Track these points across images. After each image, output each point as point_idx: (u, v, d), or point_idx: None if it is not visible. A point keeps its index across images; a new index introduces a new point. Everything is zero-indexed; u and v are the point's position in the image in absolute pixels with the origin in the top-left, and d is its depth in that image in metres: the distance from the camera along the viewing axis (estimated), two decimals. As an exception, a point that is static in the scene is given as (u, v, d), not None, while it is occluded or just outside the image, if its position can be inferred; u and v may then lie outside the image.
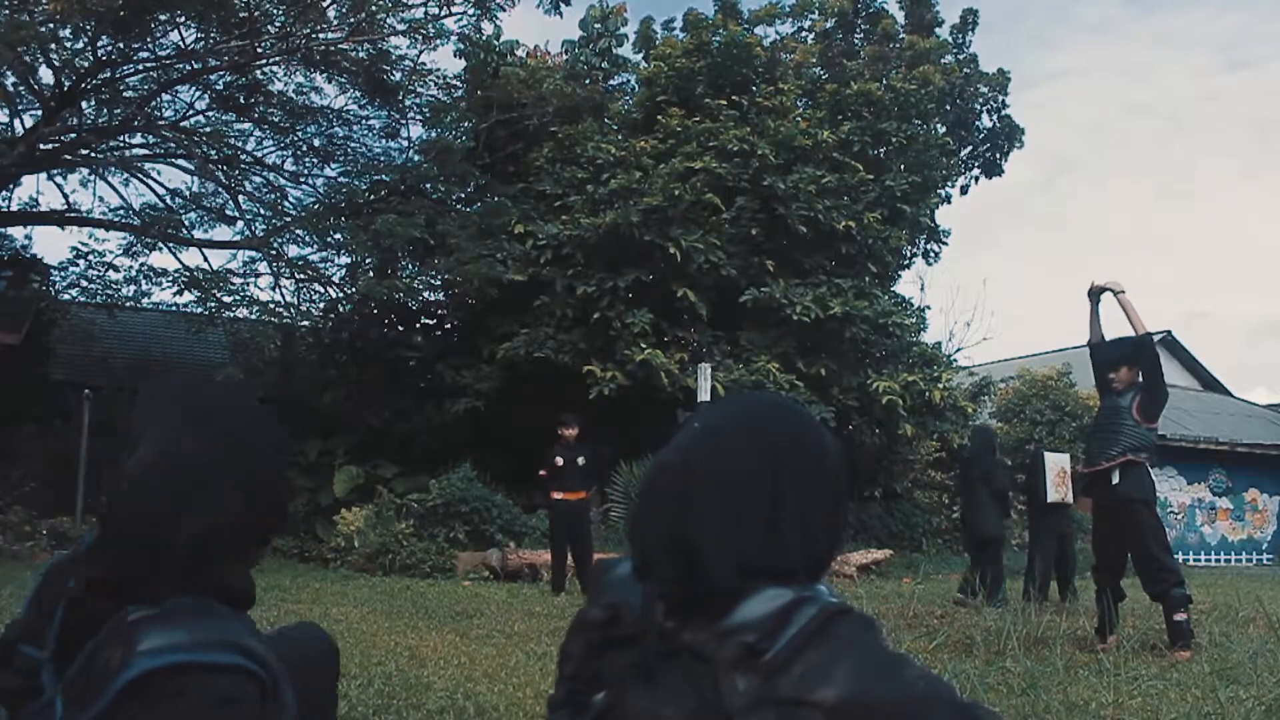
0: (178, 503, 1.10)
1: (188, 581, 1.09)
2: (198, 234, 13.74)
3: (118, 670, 0.99)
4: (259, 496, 1.19)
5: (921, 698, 0.87)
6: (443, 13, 12.36)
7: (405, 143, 14.20)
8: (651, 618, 0.97)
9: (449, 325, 14.32)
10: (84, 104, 12.24)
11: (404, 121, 13.96)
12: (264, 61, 12.10)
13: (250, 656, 1.04)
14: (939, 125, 16.26)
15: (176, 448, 1.14)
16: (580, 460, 9.14)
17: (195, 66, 11.92)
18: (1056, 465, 8.66)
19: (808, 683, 0.86)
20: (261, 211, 14.10)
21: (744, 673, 0.88)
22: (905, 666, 0.90)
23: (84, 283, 13.70)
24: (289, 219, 13.70)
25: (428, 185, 13.49)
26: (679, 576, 0.96)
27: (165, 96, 12.83)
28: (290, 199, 14.25)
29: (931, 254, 16.35)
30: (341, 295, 13.90)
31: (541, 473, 9.18)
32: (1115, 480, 5.67)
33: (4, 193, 12.73)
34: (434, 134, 13.57)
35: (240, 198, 14.05)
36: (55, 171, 12.98)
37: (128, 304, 14.37)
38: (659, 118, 13.09)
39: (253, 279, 14.12)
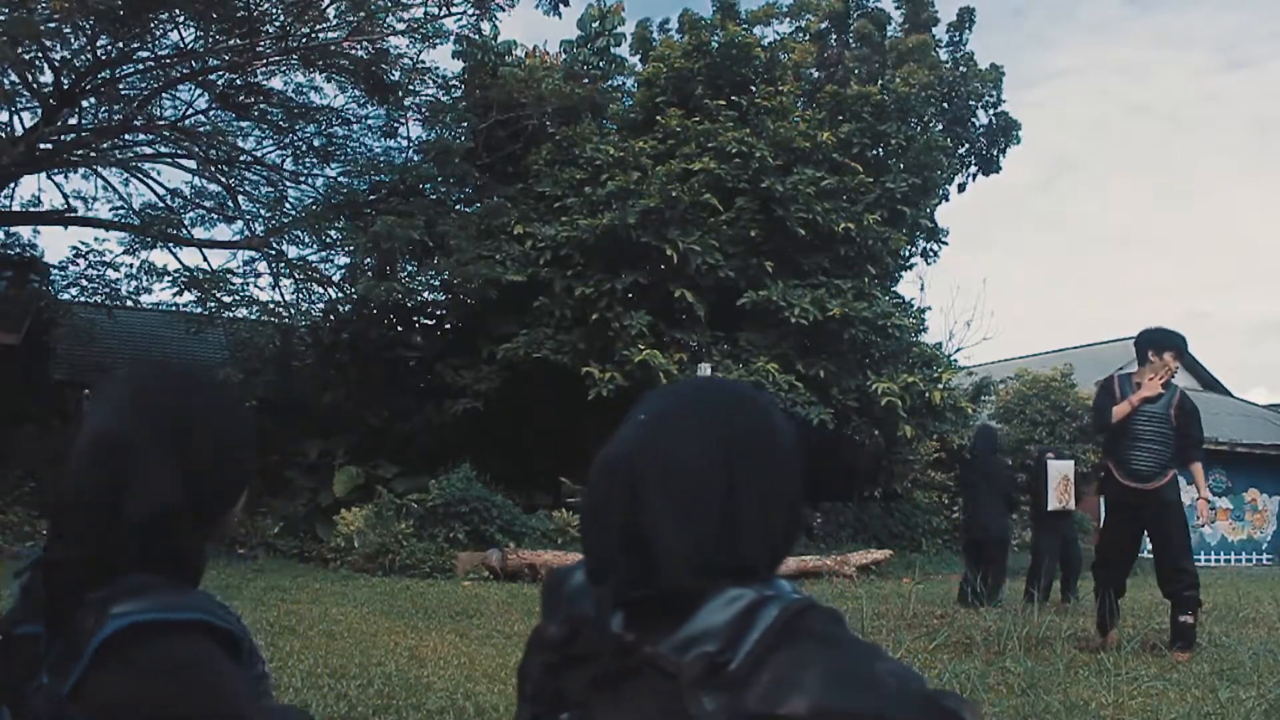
0: (114, 480, 1.14)
1: (141, 559, 1.14)
2: (198, 234, 13.76)
3: (92, 633, 1.06)
4: (202, 477, 1.21)
5: (893, 697, 0.84)
6: (442, 12, 12.37)
7: (404, 143, 14.24)
8: (606, 626, 0.92)
9: (449, 325, 14.33)
10: (84, 103, 12.24)
11: (403, 121, 13.99)
12: (263, 61, 12.10)
13: (215, 615, 1.12)
14: (936, 124, 16.27)
15: (107, 427, 1.17)
16: None
17: (195, 66, 11.92)
18: (1059, 473, 8.64)
19: (777, 694, 0.83)
20: (261, 212, 14.11)
21: (710, 690, 0.85)
22: (875, 662, 0.88)
23: (84, 282, 13.71)
24: (289, 219, 13.70)
25: (427, 185, 13.49)
26: (634, 577, 0.92)
27: (165, 96, 12.83)
28: (290, 199, 14.27)
29: (931, 253, 16.35)
30: (341, 295, 13.90)
31: None
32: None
33: (4, 192, 12.73)
34: (433, 134, 13.58)
35: (240, 197, 14.07)
36: (55, 171, 12.98)
37: (128, 304, 14.38)
38: (658, 118, 13.09)
39: (252, 279, 14.15)
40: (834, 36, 18.59)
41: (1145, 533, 5.88)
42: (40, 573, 1.19)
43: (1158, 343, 5.87)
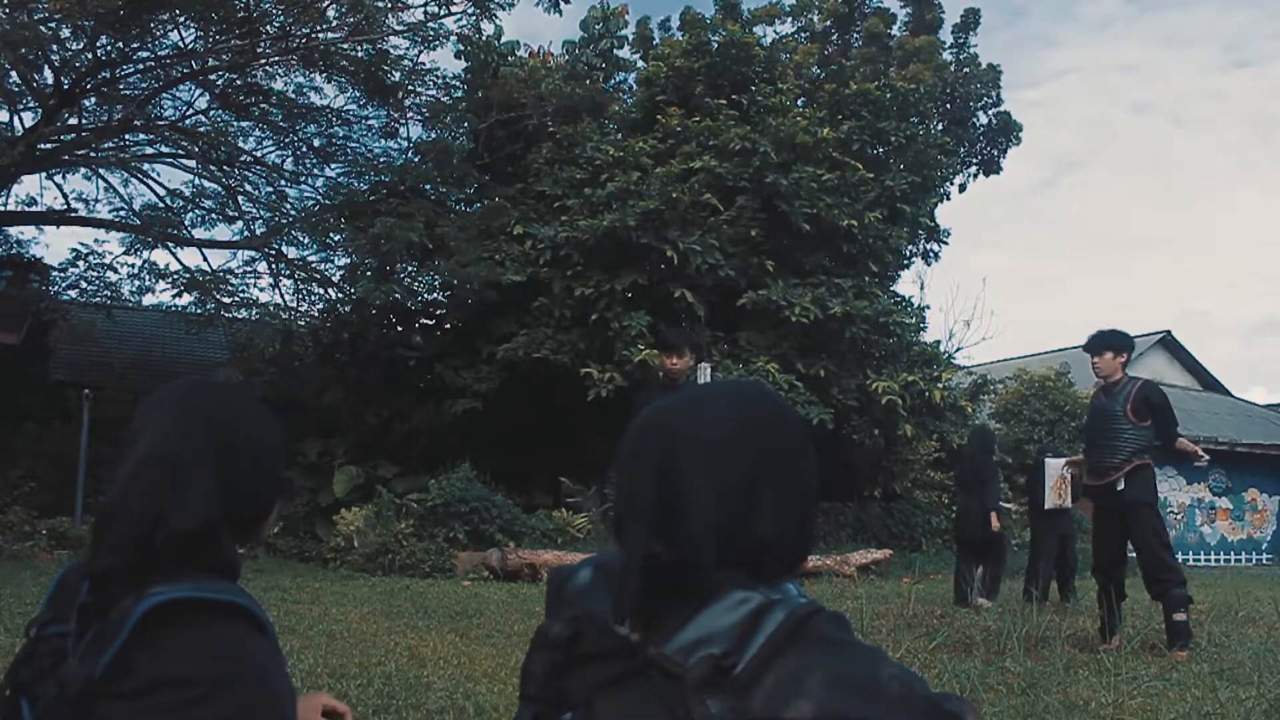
0: (159, 495, 1.18)
1: (178, 566, 1.18)
2: (198, 234, 13.76)
3: (130, 611, 1.11)
4: (240, 489, 1.27)
5: (896, 702, 0.85)
6: (442, 12, 12.37)
7: (405, 143, 14.22)
8: (632, 581, 0.94)
9: (448, 326, 14.33)
10: (84, 104, 12.24)
11: (403, 122, 13.97)
12: (263, 61, 12.10)
13: (246, 599, 1.19)
14: (937, 124, 16.27)
15: (154, 446, 1.22)
16: None
17: (195, 66, 11.92)
18: (1056, 471, 8.67)
19: (781, 699, 0.84)
20: (261, 212, 14.11)
21: (714, 693, 0.86)
22: (880, 667, 0.88)
23: (84, 283, 13.71)
24: (289, 219, 13.70)
25: (427, 186, 13.48)
26: (660, 529, 0.95)
27: (165, 96, 12.83)
28: (290, 199, 14.27)
29: (931, 253, 16.36)
30: (341, 296, 13.90)
31: None
32: (1121, 485, 5.70)
33: (4, 193, 12.74)
34: (433, 134, 13.58)
35: (240, 198, 14.06)
36: (55, 171, 12.98)
37: (128, 304, 14.38)
38: (658, 117, 13.09)
39: (252, 279, 14.15)
40: (835, 36, 18.60)
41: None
42: (72, 578, 1.24)
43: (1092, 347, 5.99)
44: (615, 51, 15.37)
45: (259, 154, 13.89)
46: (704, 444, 0.99)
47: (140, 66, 12.08)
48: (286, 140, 13.84)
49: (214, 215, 14.12)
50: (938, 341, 15.08)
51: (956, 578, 8.64)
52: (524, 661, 1.01)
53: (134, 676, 1.10)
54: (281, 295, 14.30)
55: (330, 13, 11.66)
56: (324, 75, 12.86)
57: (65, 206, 13.33)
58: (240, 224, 14.15)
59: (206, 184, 13.97)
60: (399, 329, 14.13)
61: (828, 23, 18.57)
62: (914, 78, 14.71)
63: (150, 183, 13.51)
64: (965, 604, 8.10)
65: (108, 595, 1.15)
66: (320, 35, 11.84)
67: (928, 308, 15.41)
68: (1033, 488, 8.96)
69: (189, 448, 1.23)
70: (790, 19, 18.17)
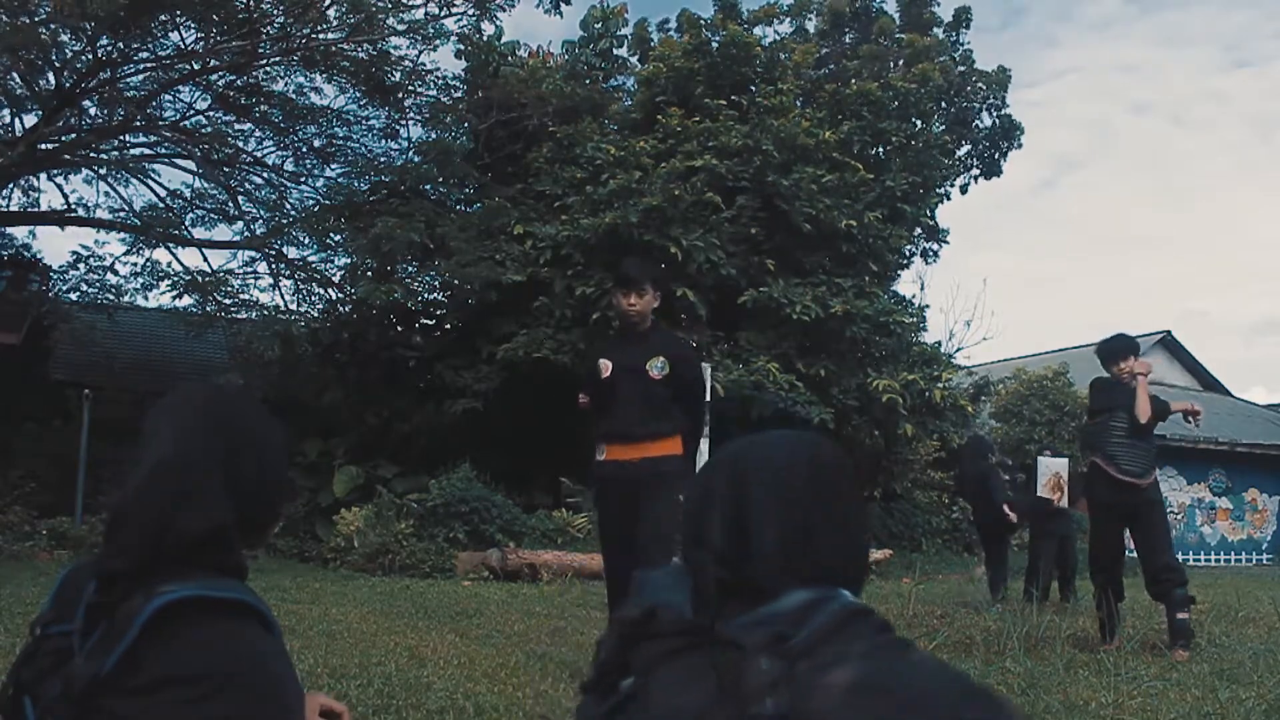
0: (172, 503, 1.20)
1: (186, 566, 1.20)
2: (198, 234, 13.75)
3: (139, 610, 1.13)
4: (249, 494, 1.30)
5: (935, 682, 0.94)
6: (443, 13, 12.37)
7: (405, 143, 14.21)
8: (708, 599, 1.07)
9: (448, 326, 14.33)
10: (84, 104, 12.24)
11: (404, 122, 13.96)
12: (264, 62, 12.09)
13: (252, 597, 1.22)
14: (939, 125, 16.25)
15: (166, 451, 1.24)
16: (656, 369, 4.41)
17: (195, 66, 11.91)
18: (1050, 471, 8.68)
19: (824, 667, 0.94)
20: (260, 214, 14.10)
21: (769, 655, 0.96)
22: (924, 665, 0.98)
23: (85, 285, 13.71)
24: (289, 220, 13.69)
25: (427, 186, 13.48)
26: (729, 556, 1.08)
27: (166, 96, 12.83)
28: (290, 200, 14.26)
29: (931, 253, 16.34)
30: (341, 296, 13.89)
31: (581, 399, 4.72)
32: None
33: (4, 192, 12.73)
34: (433, 135, 13.57)
35: (240, 198, 14.05)
36: (55, 171, 12.98)
37: (128, 305, 14.38)
38: (658, 117, 13.08)
39: (253, 280, 14.15)
40: (835, 36, 18.60)
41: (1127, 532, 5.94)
42: (77, 578, 1.26)
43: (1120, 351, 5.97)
44: (615, 51, 15.36)
45: (259, 155, 13.89)
46: (771, 473, 1.13)
47: (140, 67, 12.08)
48: (287, 141, 13.82)
49: (214, 216, 14.13)
50: (938, 342, 15.08)
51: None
52: (599, 636, 1.14)
53: (142, 673, 1.11)
54: (281, 295, 14.32)
55: (331, 13, 11.66)
56: (324, 76, 12.86)
57: (65, 207, 13.34)
58: (240, 224, 14.16)
59: (207, 185, 13.97)
60: (399, 329, 14.12)
61: (827, 25, 18.57)
62: (921, 77, 14.69)
63: (150, 183, 13.52)
64: (1004, 600, 8.03)
65: (116, 595, 1.17)
66: (321, 36, 11.83)
67: (928, 307, 15.40)
68: (1032, 488, 8.97)
69: (199, 452, 1.26)
70: (789, 19, 18.16)
